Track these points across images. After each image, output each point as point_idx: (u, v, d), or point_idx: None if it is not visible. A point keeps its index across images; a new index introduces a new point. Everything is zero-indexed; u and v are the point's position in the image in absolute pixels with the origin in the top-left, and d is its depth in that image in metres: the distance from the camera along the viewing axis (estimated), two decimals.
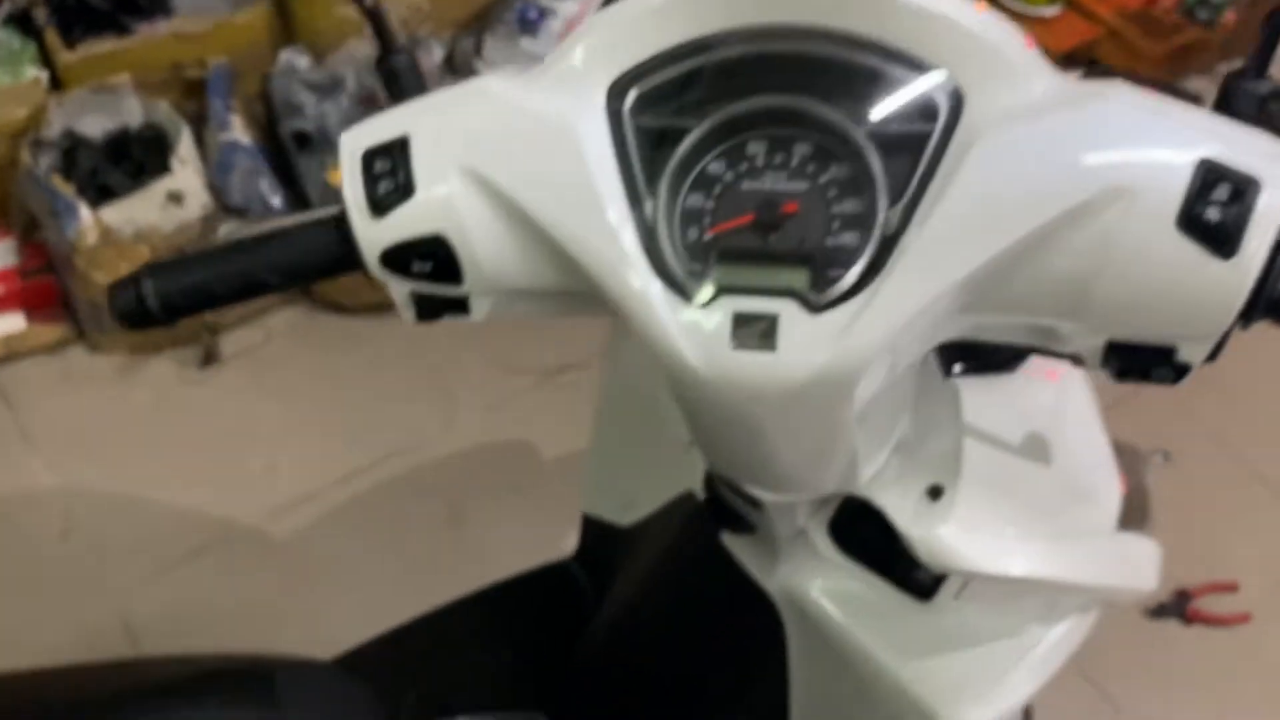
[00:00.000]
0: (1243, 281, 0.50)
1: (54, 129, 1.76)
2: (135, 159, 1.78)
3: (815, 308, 0.53)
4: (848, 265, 0.53)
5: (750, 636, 0.99)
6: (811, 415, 0.58)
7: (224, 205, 1.80)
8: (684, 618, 1.04)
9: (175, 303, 0.66)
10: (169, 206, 1.73)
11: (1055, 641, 0.83)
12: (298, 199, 1.80)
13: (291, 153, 1.77)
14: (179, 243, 1.75)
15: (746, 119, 0.57)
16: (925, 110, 0.54)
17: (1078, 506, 0.73)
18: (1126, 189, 0.50)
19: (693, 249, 0.56)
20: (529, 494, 1.78)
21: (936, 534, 0.68)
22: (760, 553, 0.89)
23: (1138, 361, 0.55)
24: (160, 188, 1.73)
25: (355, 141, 0.61)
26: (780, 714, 1.03)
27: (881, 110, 0.55)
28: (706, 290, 0.55)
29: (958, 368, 0.76)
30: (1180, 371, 0.55)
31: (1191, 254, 0.50)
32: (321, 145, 1.75)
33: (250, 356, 1.88)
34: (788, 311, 0.53)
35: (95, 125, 1.79)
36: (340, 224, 0.62)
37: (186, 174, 1.75)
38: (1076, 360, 0.59)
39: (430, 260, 0.60)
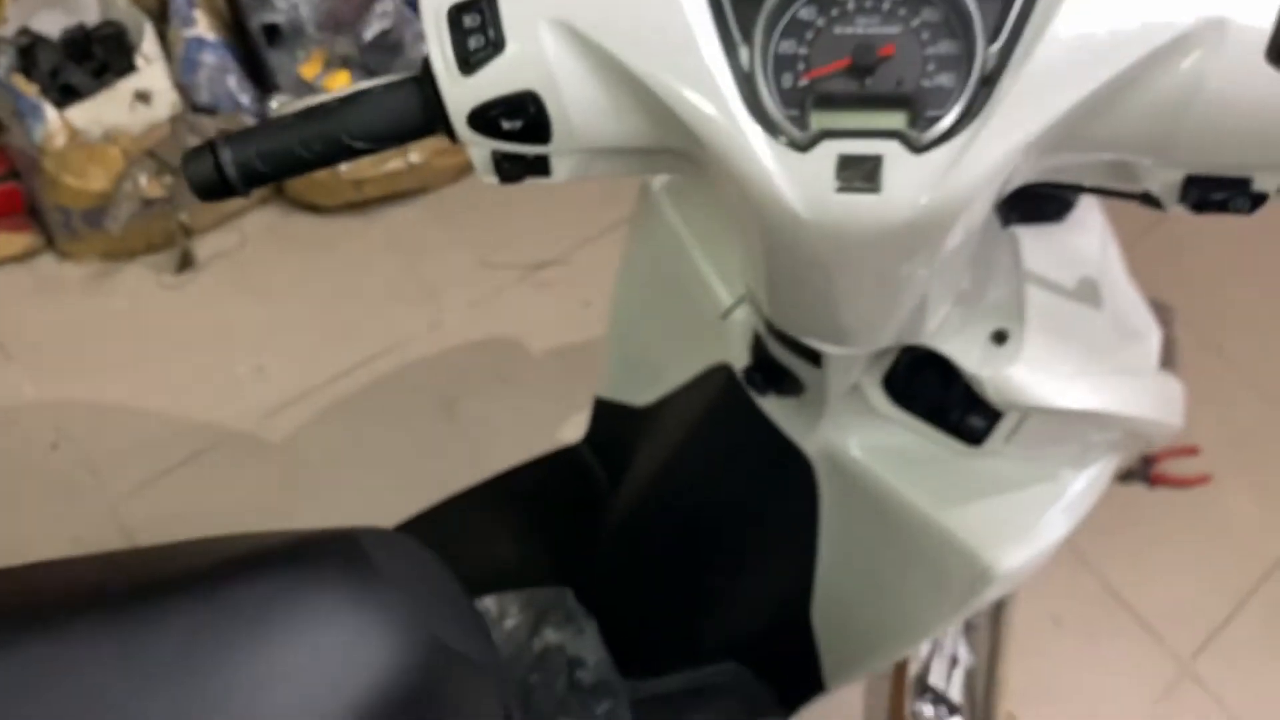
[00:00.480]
0: None
1: (9, 27, 1.69)
2: (97, 58, 1.72)
3: (917, 147, 0.55)
4: (946, 106, 0.55)
5: (780, 502, 1.02)
6: (903, 258, 0.60)
7: (191, 104, 1.75)
8: (714, 484, 1.07)
9: (255, 170, 0.65)
10: (137, 106, 1.68)
11: (1086, 485, 0.87)
12: (267, 96, 1.76)
13: (261, 47, 1.72)
14: (148, 144, 1.70)
15: None
16: None
17: (1127, 345, 0.77)
18: (1220, 20, 0.51)
19: (788, 95, 0.57)
20: (518, 385, 1.79)
21: (1006, 374, 0.72)
22: (801, 415, 0.92)
23: (1215, 194, 0.58)
24: (126, 87, 1.68)
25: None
26: (805, 578, 1.07)
27: None
28: (808, 134, 0.56)
29: (1013, 217, 0.79)
30: (1256, 200, 0.58)
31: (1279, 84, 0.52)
32: (293, 38, 1.71)
33: (227, 260, 1.85)
34: (891, 152, 0.55)
35: (52, 23, 1.72)
36: (424, 84, 0.62)
37: (153, 72, 1.70)
38: (1148, 200, 0.61)
39: (520, 118, 0.60)
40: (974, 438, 0.81)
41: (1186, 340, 2.03)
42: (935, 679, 1.63)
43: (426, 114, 0.63)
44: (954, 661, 1.65)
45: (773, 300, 0.71)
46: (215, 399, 1.71)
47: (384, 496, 1.46)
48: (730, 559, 1.12)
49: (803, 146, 0.56)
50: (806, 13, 0.58)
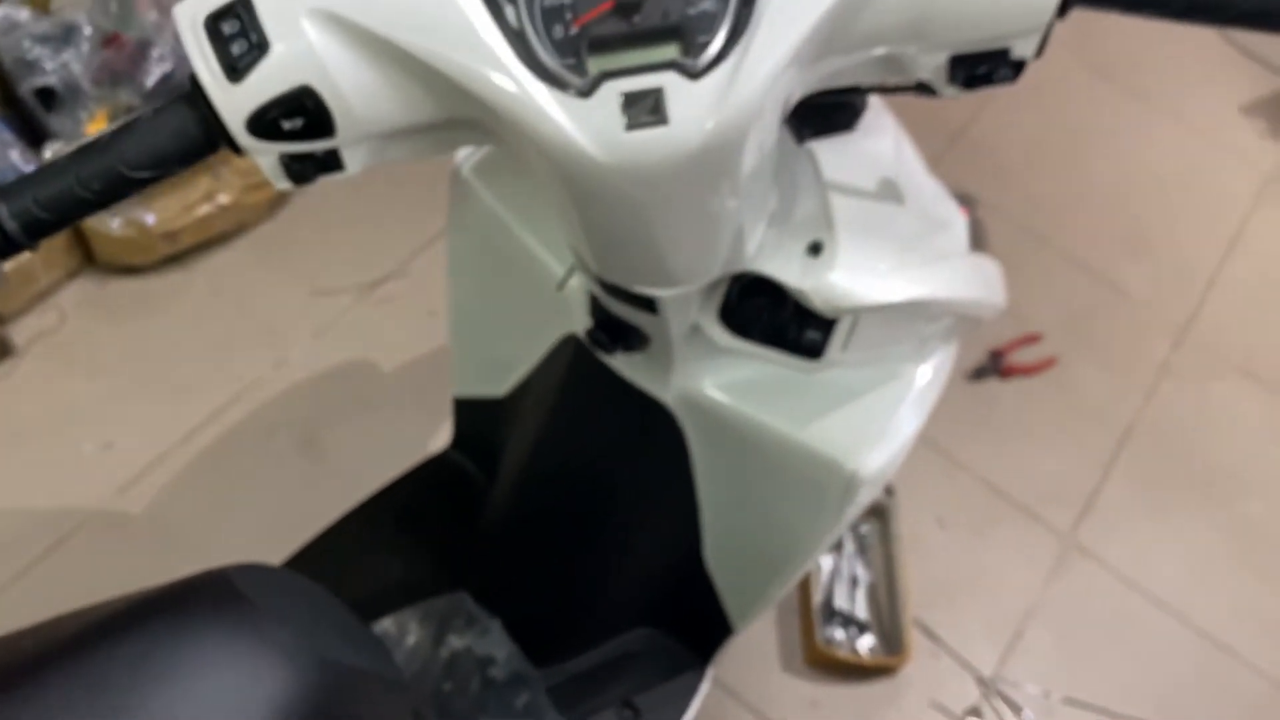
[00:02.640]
0: None
1: None
2: None
3: (694, 74, 0.57)
4: (713, 30, 0.57)
5: (651, 456, 1.03)
6: (704, 188, 0.61)
7: None
8: (583, 453, 1.07)
9: (36, 219, 0.62)
10: None
11: (930, 376, 0.91)
12: None
13: (38, 114, 1.64)
14: None
15: None
16: None
17: (935, 234, 0.80)
18: None
19: (562, 45, 0.58)
20: (378, 408, 1.76)
21: (827, 281, 0.74)
22: (653, 367, 0.93)
23: (979, 68, 0.61)
24: None
25: (192, 11, 0.59)
26: (691, 528, 1.09)
27: None
28: (588, 79, 0.57)
29: (808, 133, 0.81)
30: (1017, 69, 0.61)
31: None
32: (71, 99, 1.63)
33: (47, 340, 1.77)
34: (671, 82, 0.57)
35: None
36: (195, 101, 0.60)
37: None
38: (923, 89, 0.64)
39: (300, 116, 0.59)
40: (813, 351, 0.83)
41: (1010, 232, 2.13)
42: (840, 602, 1.67)
43: (205, 130, 0.61)
44: (854, 582, 1.70)
45: (596, 254, 0.72)
46: (65, 484, 1.64)
47: (262, 546, 1.41)
48: (615, 526, 1.12)
49: (585, 92, 0.57)
50: None
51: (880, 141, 0.83)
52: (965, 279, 0.81)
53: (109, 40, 1.63)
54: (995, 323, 2.00)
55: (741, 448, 0.93)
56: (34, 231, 0.63)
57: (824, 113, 0.81)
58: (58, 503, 1.62)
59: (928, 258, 0.78)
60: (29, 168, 1.67)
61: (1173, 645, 1.74)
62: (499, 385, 1.21)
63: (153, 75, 1.66)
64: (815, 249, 0.76)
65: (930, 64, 0.62)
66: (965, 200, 0.88)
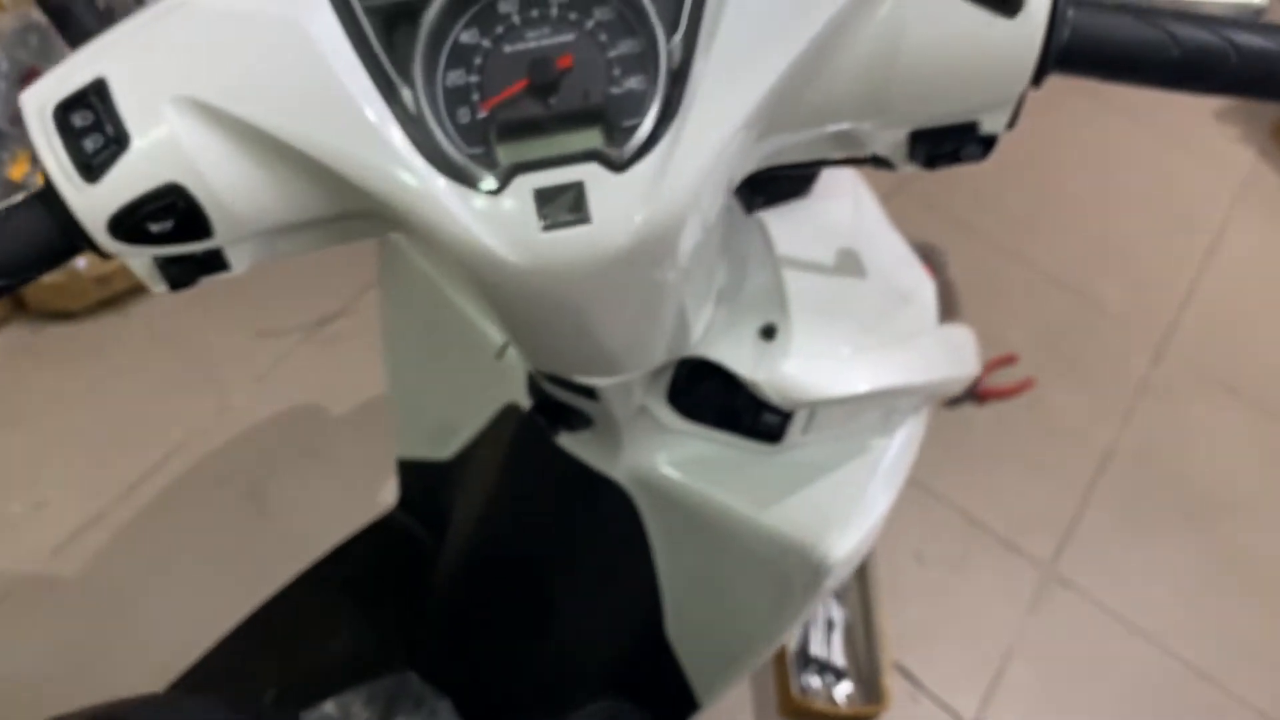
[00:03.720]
0: (1033, 35, 0.50)
1: None
2: None
3: (619, 165, 0.49)
4: (641, 111, 0.49)
5: (605, 532, 0.96)
6: (637, 282, 0.54)
7: None
8: (532, 529, 1.00)
9: None
10: None
11: (898, 450, 0.84)
12: None
13: None
14: None
15: None
16: None
17: (900, 310, 0.73)
18: None
19: (468, 132, 0.51)
20: (326, 456, 1.68)
21: (780, 372, 0.67)
22: (601, 444, 0.85)
23: (944, 145, 0.54)
24: None
25: (40, 99, 0.50)
26: (651, 601, 1.01)
27: None
28: (497, 173, 0.49)
29: (759, 202, 0.73)
30: (987, 145, 0.54)
31: (980, 19, 0.50)
32: None
33: None
34: (592, 175, 0.49)
35: None
36: (50, 199, 0.52)
37: None
38: (879, 162, 0.57)
39: (169, 217, 0.51)
40: (772, 435, 0.76)
41: (984, 250, 2.07)
42: (816, 649, 1.60)
43: (63, 232, 0.53)
44: (830, 625, 1.63)
45: (523, 347, 0.64)
46: None
47: (202, 610, 1.33)
48: (570, 600, 1.05)
49: (494, 189, 0.50)
50: (468, 36, 0.51)
51: (837, 205, 0.76)
52: (933, 358, 0.74)
53: (28, 75, 1.53)
54: (964, 316, 1.96)
55: (701, 527, 0.86)
56: None
57: (775, 180, 0.74)
58: None
59: (892, 339, 0.71)
60: None
61: (1158, 678, 1.68)
62: (443, 449, 1.13)
63: None
64: (768, 333, 0.69)
65: (889, 140, 0.55)
66: (932, 254, 0.81)
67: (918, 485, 1.80)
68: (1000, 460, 1.86)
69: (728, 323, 0.70)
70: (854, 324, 0.70)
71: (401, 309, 1.01)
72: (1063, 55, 0.52)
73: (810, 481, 0.82)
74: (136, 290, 1.77)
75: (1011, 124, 0.54)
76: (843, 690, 1.58)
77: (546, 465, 0.91)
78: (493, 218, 0.50)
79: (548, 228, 0.49)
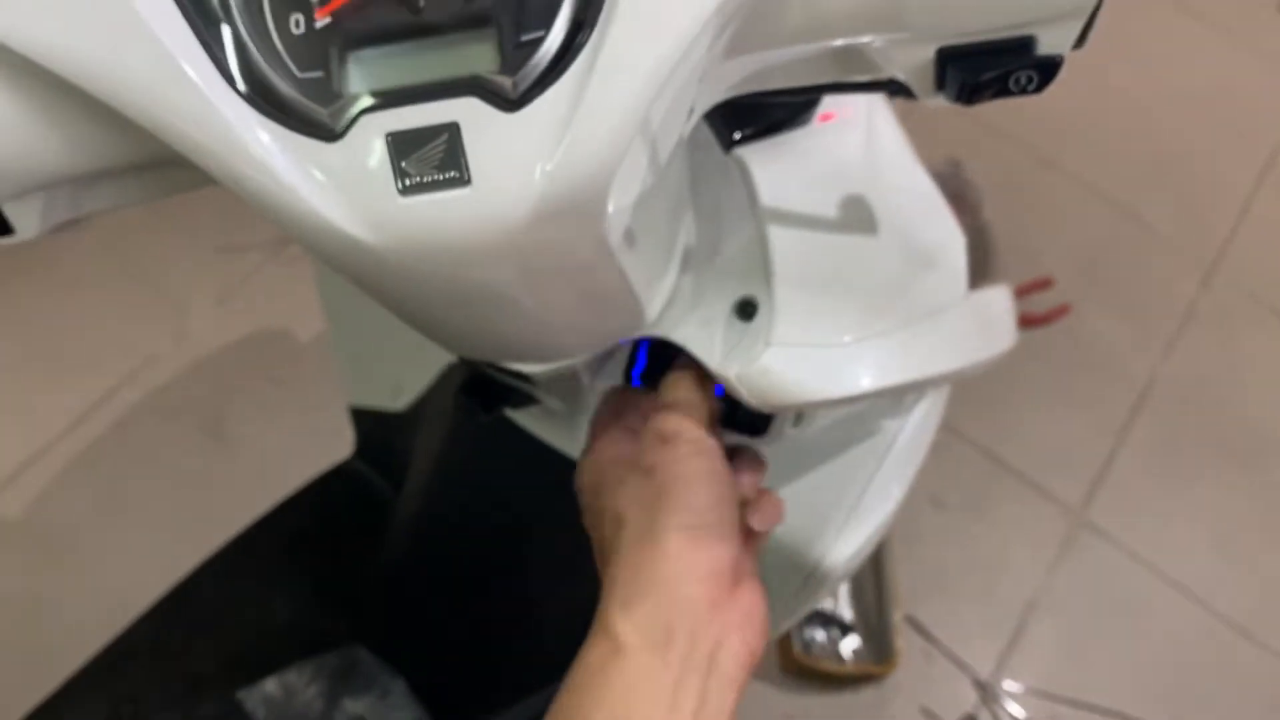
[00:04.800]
0: None
1: None
2: None
3: (511, 100, 0.33)
4: (546, 18, 0.34)
5: (566, 506, 0.83)
6: (553, 258, 0.38)
7: None
8: (485, 498, 0.87)
9: None
10: None
11: (912, 434, 0.69)
12: None
13: None
14: None
15: None
16: None
17: (922, 276, 0.56)
18: None
19: (301, 48, 0.35)
20: (291, 385, 1.54)
21: (760, 367, 0.51)
22: (555, 418, 0.71)
23: (985, 70, 0.37)
24: None
25: None
26: None
27: None
28: (337, 109, 0.34)
29: (737, 135, 0.56)
30: (1045, 71, 0.38)
31: None
32: None
33: None
34: (471, 114, 0.34)
35: None
36: None
37: None
38: (898, 89, 0.41)
39: None
40: (755, 429, 0.61)
41: (1019, 159, 1.87)
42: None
43: None
44: None
45: (421, 332, 0.49)
46: None
47: (155, 551, 1.22)
48: (528, 575, 0.92)
49: (334, 131, 0.34)
50: None
51: (844, 136, 0.58)
52: (961, 340, 0.57)
53: None
54: (1006, 264, 1.78)
55: None
56: None
57: (761, 106, 0.57)
58: None
59: (911, 315, 0.54)
60: None
61: (1194, 633, 1.55)
62: (397, 399, 0.99)
63: None
64: (746, 309, 0.53)
65: (909, 61, 0.39)
66: (965, 190, 0.64)
67: None
68: (1028, 394, 1.70)
69: (695, 294, 0.54)
70: (860, 299, 0.53)
71: None
72: None
73: (806, 472, 0.68)
74: None
75: (1081, 41, 0.38)
76: (849, 645, 1.46)
77: (495, 434, 0.77)
78: (331, 174, 0.34)
79: (408, 190, 0.34)
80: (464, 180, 0.33)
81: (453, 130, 0.33)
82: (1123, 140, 1.99)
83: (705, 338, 0.53)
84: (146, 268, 1.61)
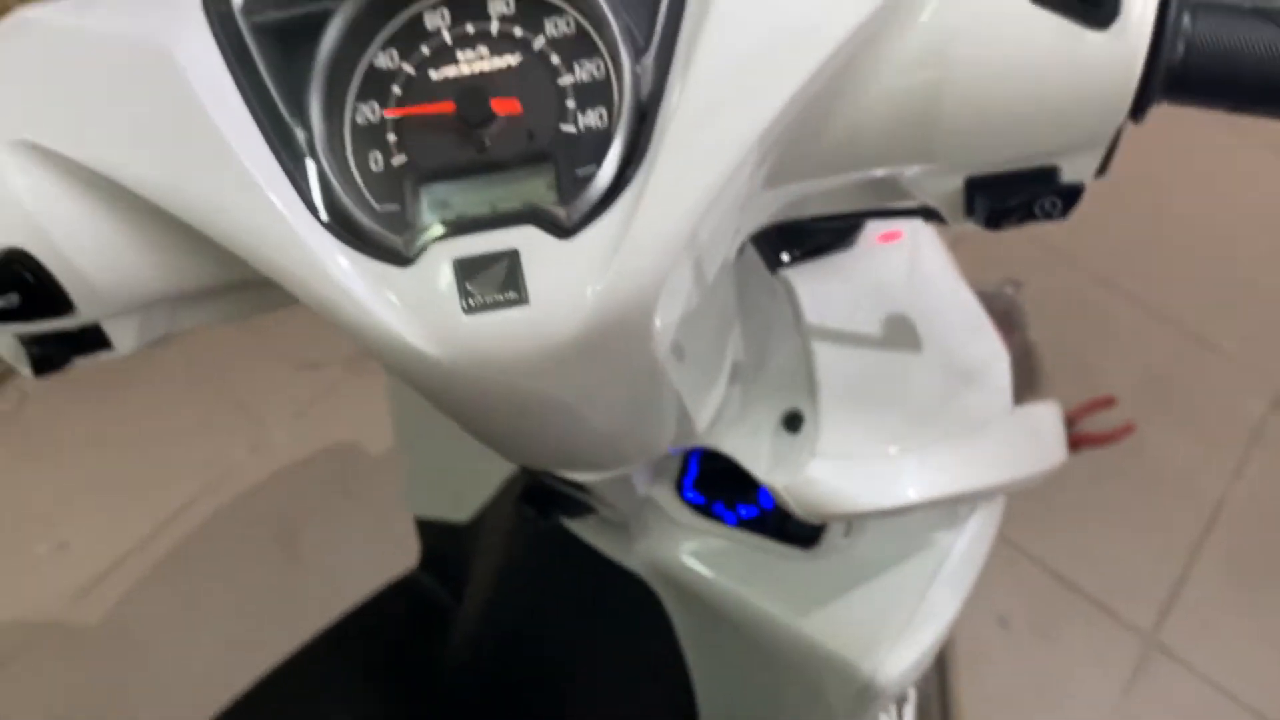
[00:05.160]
0: (1133, 51, 0.36)
1: None
2: None
3: (566, 228, 0.37)
4: (599, 154, 0.37)
5: (628, 623, 0.84)
6: (605, 372, 0.41)
7: None
8: (546, 615, 0.88)
9: None
10: None
11: (967, 547, 0.70)
12: None
13: None
14: None
15: None
16: None
17: (966, 392, 0.58)
18: None
19: (380, 183, 0.39)
20: (363, 498, 1.59)
21: (805, 478, 0.53)
22: (612, 529, 0.73)
23: (1011, 197, 0.41)
24: None
25: None
26: (685, 691, 0.89)
27: None
28: (410, 238, 0.38)
29: (784, 256, 0.60)
30: (1069, 198, 0.41)
31: (1058, 30, 0.36)
32: None
33: (5, 425, 1.62)
34: (530, 241, 0.37)
35: None
36: None
37: None
38: (929, 215, 0.44)
39: (16, 290, 0.41)
40: (805, 541, 0.63)
41: (1080, 281, 1.89)
42: None
43: None
44: (901, 699, 1.48)
45: (481, 441, 0.52)
46: (13, 591, 1.48)
47: (229, 661, 1.24)
48: (594, 696, 0.93)
49: (407, 257, 0.38)
50: (385, 60, 0.40)
51: (887, 261, 0.62)
52: (1007, 453, 0.59)
53: None
54: (1067, 383, 1.78)
55: (733, 628, 0.74)
56: None
57: (803, 227, 0.61)
58: (6, 612, 1.46)
59: (955, 429, 0.57)
60: None
61: None
62: (460, 510, 1.02)
63: None
64: (793, 422, 0.56)
65: (938, 190, 0.42)
66: (1010, 309, 0.67)
67: (1002, 540, 1.64)
68: (1096, 514, 1.69)
69: (743, 407, 0.57)
70: (904, 413, 0.56)
71: None
72: (1175, 78, 0.38)
73: (860, 583, 0.69)
74: None
75: (1102, 170, 0.41)
76: None
77: (556, 548, 0.79)
78: (404, 296, 0.37)
79: (473, 309, 0.37)
80: (522, 300, 0.37)
81: (513, 256, 0.37)
82: (1190, 264, 2.00)
83: (753, 448, 0.55)
84: (230, 384, 1.68)
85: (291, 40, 0.39)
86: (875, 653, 0.67)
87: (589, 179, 0.37)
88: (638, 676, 0.89)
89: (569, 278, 0.36)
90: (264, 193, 0.37)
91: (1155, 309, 1.93)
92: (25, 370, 0.46)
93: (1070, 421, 1.75)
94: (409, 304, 0.37)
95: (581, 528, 0.75)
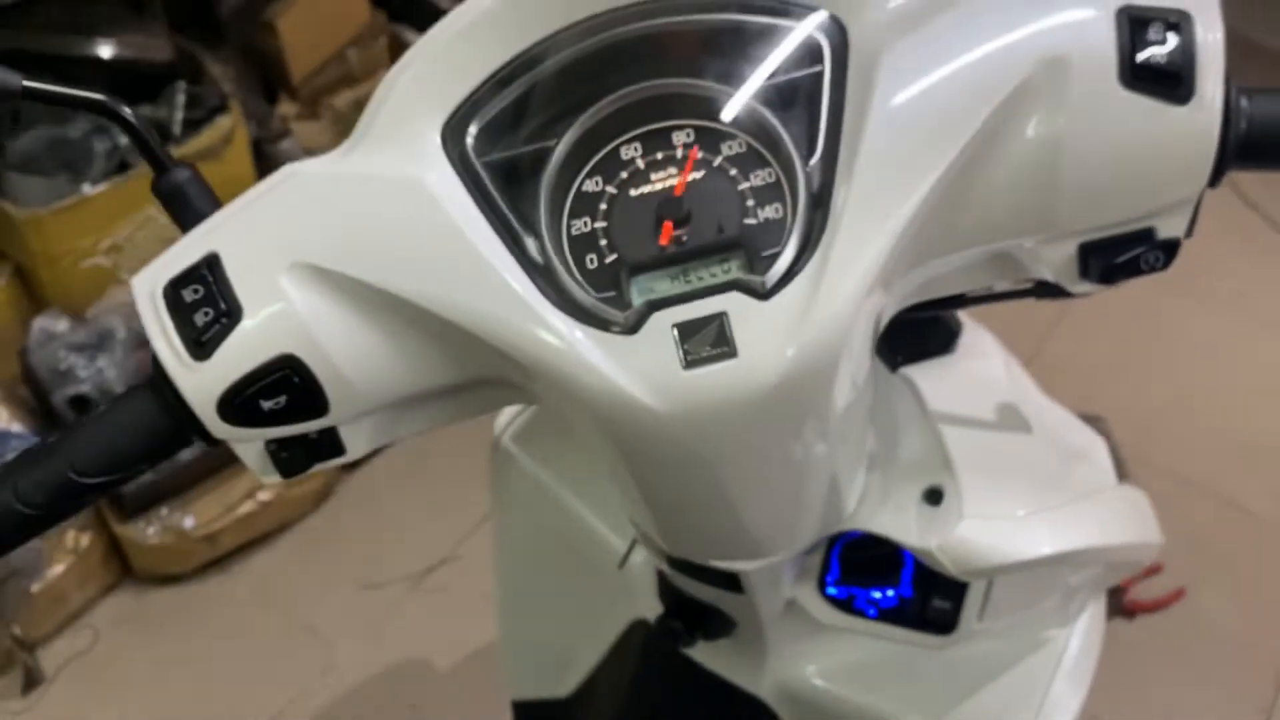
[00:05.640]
0: (1210, 121, 0.46)
1: None
2: None
3: (763, 293, 0.45)
4: (781, 240, 0.46)
5: None
6: (789, 429, 0.48)
7: None
8: None
9: None
10: None
11: (1081, 642, 0.75)
12: None
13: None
14: None
15: (608, 122, 0.49)
16: (808, 52, 0.48)
17: (1076, 466, 0.65)
18: (1056, 58, 0.45)
19: (596, 277, 0.47)
20: (433, 714, 1.59)
21: (956, 537, 0.59)
22: (743, 655, 0.77)
23: (1119, 254, 0.49)
24: None
25: (151, 280, 0.49)
26: None
27: (756, 66, 0.48)
28: (632, 311, 0.45)
29: (899, 359, 0.68)
30: (1168, 252, 0.49)
31: (1147, 109, 0.45)
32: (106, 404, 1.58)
33: (80, 664, 1.64)
34: (735, 305, 0.45)
35: None
36: (159, 387, 0.49)
37: None
38: (1046, 290, 0.52)
39: (284, 393, 0.48)
40: (944, 625, 0.68)
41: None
42: None
43: (171, 421, 0.50)
44: None
45: (661, 526, 0.58)
46: None
47: None
48: None
49: (631, 328, 0.45)
50: (592, 184, 0.49)
51: (987, 363, 0.70)
52: (1118, 518, 0.66)
53: (143, 342, 1.58)
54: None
55: None
56: None
57: (918, 335, 0.69)
58: None
59: (1072, 496, 0.63)
60: None
61: None
62: (561, 685, 1.05)
63: None
64: (934, 496, 0.62)
65: (1055, 257, 0.50)
66: (1096, 421, 0.74)
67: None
68: (1161, 679, 1.69)
69: (884, 491, 0.63)
70: (1029, 481, 0.63)
71: (514, 528, 0.96)
72: (1242, 147, 0.47)
73: (986, 683, 0.73)
74: (243, 549, 1.76)
75: (1190, 229, 0.49)
76: None
77: (679, 684, 0.83)
78: (631, 358, 0.45)
79: (690, 364, 0.45)
80: (732, 353, 0.44)
81: (722, 317, 0.45)
82: (1210, 433, 2.08)
83: (900, 524, 0.61)
84: (298, 609, 1.71)
85: (514, 173, 0.49)
86: None
87: (775, 256, 0.46)
88: None
89: (769, 332, 0.44)
90: (511, 288, 0.45)
91: (1183, 478, 1.99)
92: (271, 476, 0.52)
93: (1123, 589, 1.78)
94: (636, 366, 0.45)
95: (709, 655, 0.78)
